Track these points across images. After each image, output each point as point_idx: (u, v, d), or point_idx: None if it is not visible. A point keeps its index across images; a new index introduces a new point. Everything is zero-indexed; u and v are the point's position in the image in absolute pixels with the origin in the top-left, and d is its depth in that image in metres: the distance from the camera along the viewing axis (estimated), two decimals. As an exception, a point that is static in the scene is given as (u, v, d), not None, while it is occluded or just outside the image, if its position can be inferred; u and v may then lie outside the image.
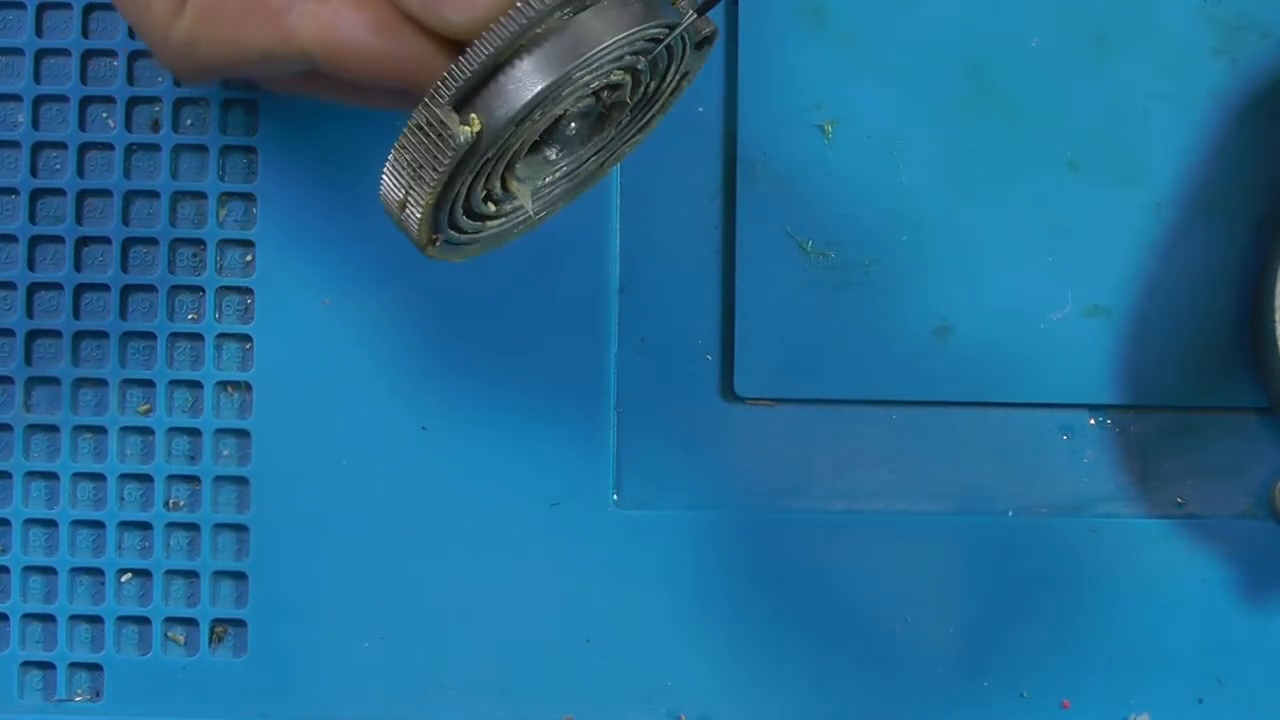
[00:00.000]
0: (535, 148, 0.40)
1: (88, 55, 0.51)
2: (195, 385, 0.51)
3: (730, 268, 0.50)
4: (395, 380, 0.50)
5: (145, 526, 0.50)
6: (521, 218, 0.42)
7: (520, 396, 0.50)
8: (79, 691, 0.51)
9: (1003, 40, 0.50)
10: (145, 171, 0.51)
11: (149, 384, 0.51)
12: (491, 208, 0.40)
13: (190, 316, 0.51)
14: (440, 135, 0.36)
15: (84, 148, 0.51)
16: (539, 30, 0.36)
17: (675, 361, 0.50)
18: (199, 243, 0.51)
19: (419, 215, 0.38)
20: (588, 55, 0.37)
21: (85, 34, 0.51)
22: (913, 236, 0.50)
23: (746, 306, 0.50)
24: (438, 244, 0.39)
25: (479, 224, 0.41)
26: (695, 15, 0.39)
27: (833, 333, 0.50)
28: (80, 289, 0.51)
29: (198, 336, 0.51)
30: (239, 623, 0.50)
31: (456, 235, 0.40)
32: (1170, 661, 0.49)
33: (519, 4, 0.36)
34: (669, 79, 0.41)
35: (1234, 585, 0.49)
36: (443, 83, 0.36)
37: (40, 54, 0.51)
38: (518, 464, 0.50)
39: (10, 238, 0.51)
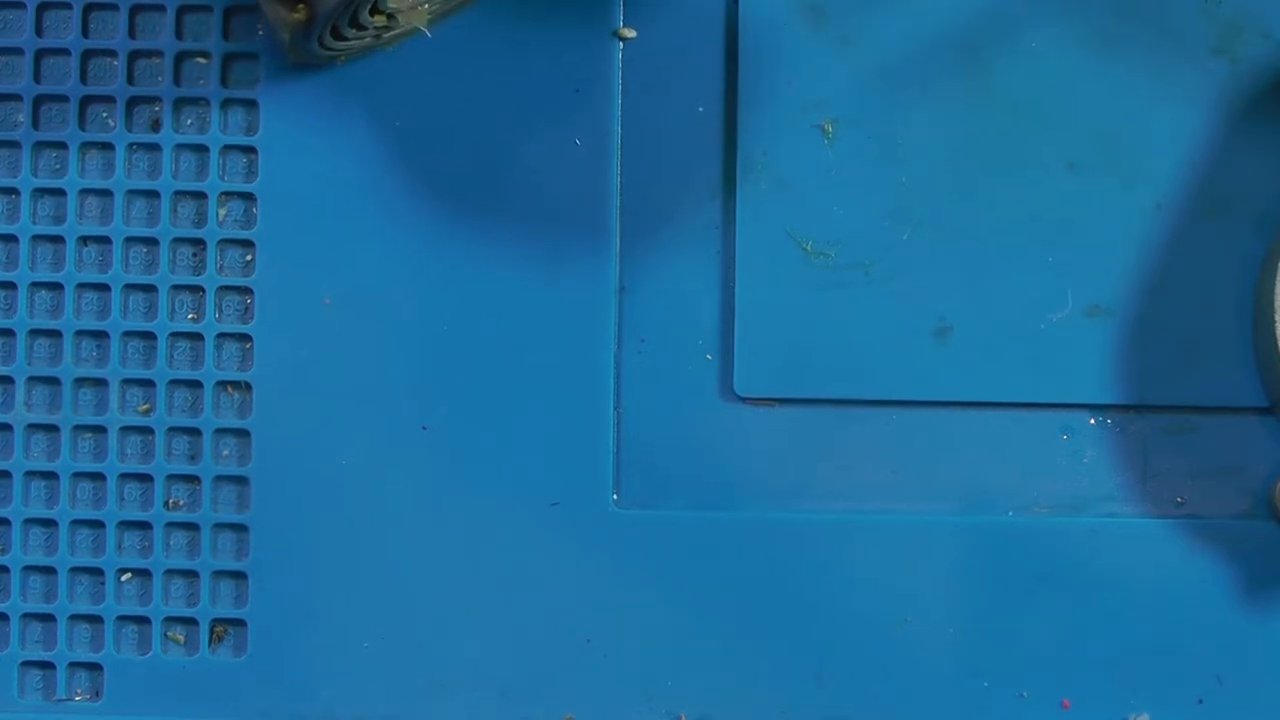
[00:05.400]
0: None
1: (88, 55, 0.51)
2: (195, 385, 0.51)
3: (730, 267, 0.50)
4: (395, 380, 0.50)
5: (145, 526, 0.50)
6: (398, 31, 0.49)
7: (520, 396, 0.50)
8: (79, 691, 0.51)
9: (1003, 40, 0.50)
10: (145, 171, 0.51)
11: (149, 383, 0.51)
12: (352, 32, 0.47)
13: (190, 316, 0.51)
14: (276, 18, 0.45)
15: (84, 147, 0.51)
16: None
17: (675, 361, 0.50)
18: (199, 242, 0.51)
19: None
20: None
21: (85, 33, 0.51)
22: (913, 236, 0.50)
23: (747, 306, 0.50)
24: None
25: (349, 40, 0.48)
26: None
27: (833, 332, 0.50)
28: (80, 288, 0.51)
29: (198, 336, 0.51)
30: (239, 622, 0.50)
31: (333, 43, 0.47)
32: (1170, 661, 0.49)
33: None
34: None
35: (1234, 585, 0.49)
36: None
37: (40, 53, 0.51)
38: (518, 463, 0.50)
39: (10, 237, 0.51)
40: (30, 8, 0.51)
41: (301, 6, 0.44)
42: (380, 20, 0.47)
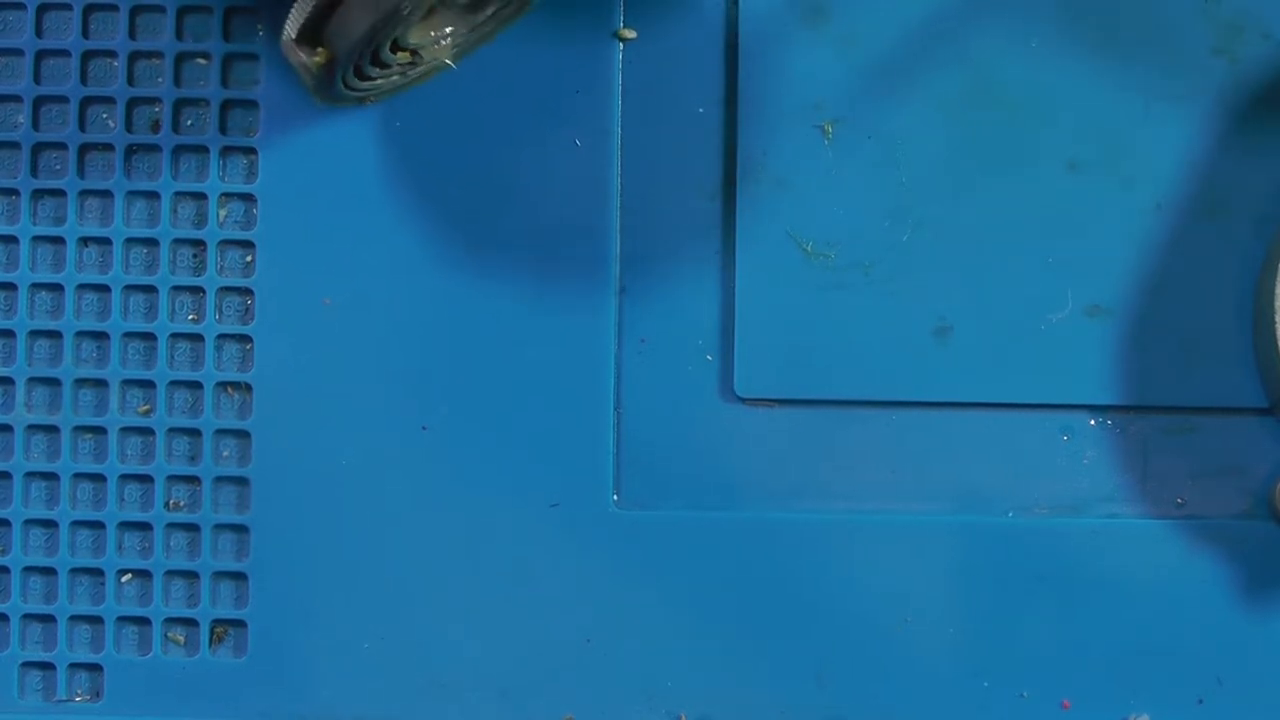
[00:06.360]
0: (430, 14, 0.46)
1: (88, 56, 0.51)
2: (195, 386, 0.51)
3: (730, 268, 0.50)
4: (395, 380, 0.50)
5: (145, 527, 0.51)
6: (424, 68, 0.48)
7: (520, 397, 0.50)
8: (79, 692, 0.51)
9: (1003, 41, 0.50)
10: (145, 172, 0.51)
11: (149, 384, 0.51)
12: (376, 71, 0.46)
13: (190, 317, 0.51)
14: (297, 64, 0.43)
15: (84, 148, 0.51)
16: None
17: (675, 362, 0.50)
18: (199, 243, 0.51)
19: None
20: None
21: (85, 34, 0.51)
22: (913, 237, 0.50)
23: (747, 307, 0.50)
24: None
25: (374, 79, 0.47)
26: None
27: (833, 333, 0.50)
28: (80, 289, 0.51)
29: (198, 337, 0.51)
30: (239, 623, 0.50)
31: (357, 83, 0.46)
32: (1170, 662, 0.49)
33: None
34: None
35: (1234, 586, 0.49)
36: (290, 18, 0.42)
37: (40, 55, 0.51)
38: (518, 464, 0.50)
39: (11, 239, 0.51)
40: (30, 9, 0.51)
41: (321, 50, 0.44)
42: (404, 57, 0.47)
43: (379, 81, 0.47)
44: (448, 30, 0.47)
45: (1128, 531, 0.49)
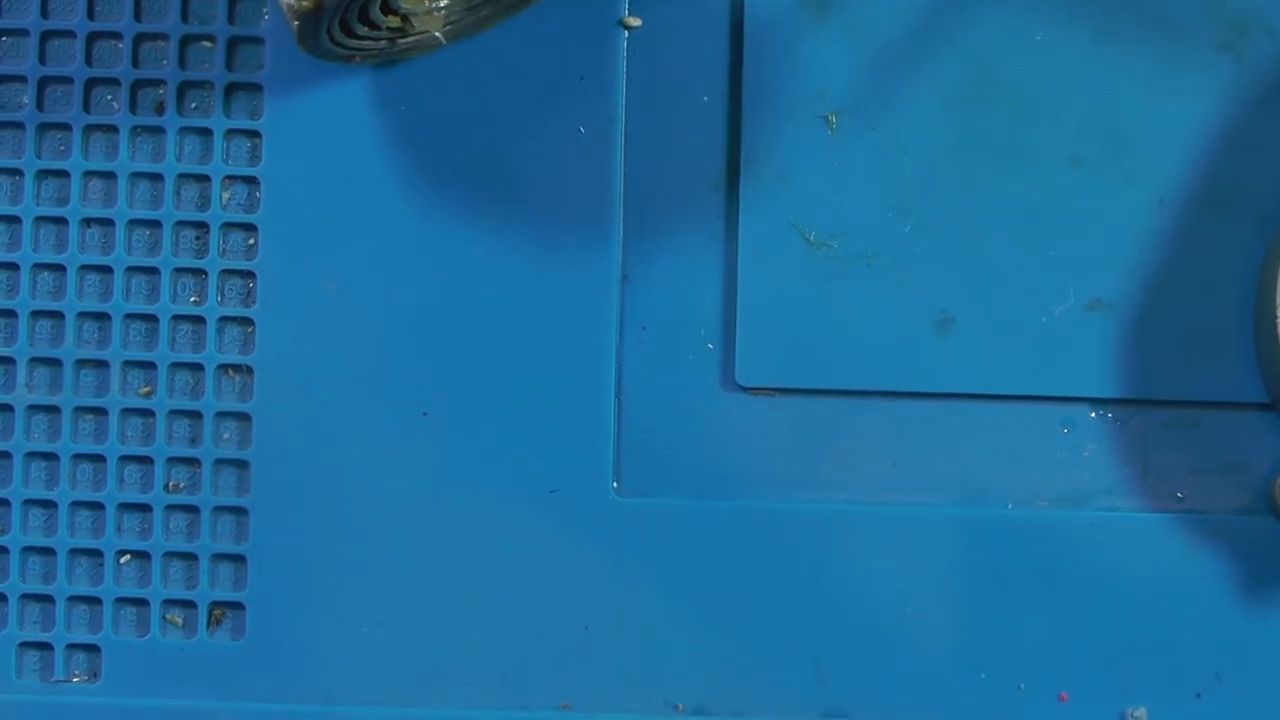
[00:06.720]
0: None
1: (93, 37, 0.51)
2: (197, 368, 0.51)
3: (733, 257, 0.50)
4: (397, 365, 0.50)
5: (145, 508, 0.50)
6: (414, 38, 0.48)
7: (521, 383, 0.50)
8: (77, 672, 0.51)
9: (1007, 34, 0.50)
10: (149, 154, 0.51)
11: (150, 366, 0.51)
12: (364, 30, 0.46)
13: (192, 299, 0.51)
14: (284, 5, 0.44)
15: (88, 129, 0.51)
16: None
17: (677, 350, 0.50)
18: (202, 225, 0.51)
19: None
20: None
21: (91, 16, 0.51)
22: (915, 229, 0.50)
23: (749, 296, 0.50)
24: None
25: (362, 39, 0.47)
26: None
27: (834, 323, 0.50)
28: (83, 270, 0.51)
29: (200, 319, 0.51)
30: (237, 606, 0.50)
31: (344, 39, 0.46)
32: (1169, 656, 0.49)
33: None
34: None
35: (1233, 581, 0.49)
36: None
37: (45, 35, 0.51)
38: (518, 451, 0.50)
39: (14, 219, 0.51)
40: (36, -10, 0.51)
41: None
42: (394, 21, 0.47)
43: (366, 42, 0.47)
44: (442, 2, 0.48)
45: (1128, 525, 0.49)
